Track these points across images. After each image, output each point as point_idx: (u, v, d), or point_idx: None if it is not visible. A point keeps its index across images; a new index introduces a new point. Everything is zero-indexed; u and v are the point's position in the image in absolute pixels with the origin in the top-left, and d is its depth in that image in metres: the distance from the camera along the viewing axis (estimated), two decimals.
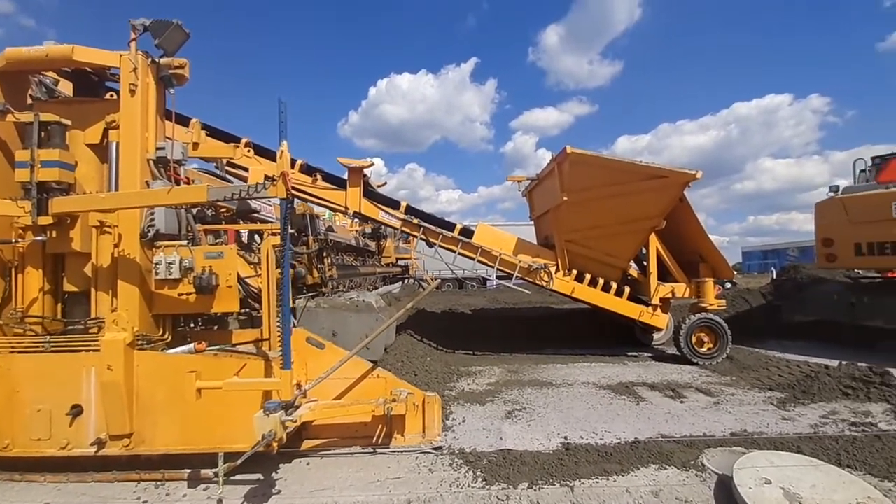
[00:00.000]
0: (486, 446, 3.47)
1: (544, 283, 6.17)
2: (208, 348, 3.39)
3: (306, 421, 3.14)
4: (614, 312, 6.34)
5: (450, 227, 6.40)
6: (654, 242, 6.37)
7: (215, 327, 4.25)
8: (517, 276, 6.26)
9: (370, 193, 6.34)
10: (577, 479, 2.90)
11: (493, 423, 3.98)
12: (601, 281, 6.26)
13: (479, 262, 6.31)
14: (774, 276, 12.50)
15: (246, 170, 6.16)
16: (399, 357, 5.87)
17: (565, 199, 5.85)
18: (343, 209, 6.35)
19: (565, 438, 3.55)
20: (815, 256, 7.47)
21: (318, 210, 7.58)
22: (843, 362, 4.97)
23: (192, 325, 4.11)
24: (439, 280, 6.04)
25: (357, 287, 10.30)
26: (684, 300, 6.57)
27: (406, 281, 12.65)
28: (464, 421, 4.04)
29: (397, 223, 6.35)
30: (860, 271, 8.31)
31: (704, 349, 6.07)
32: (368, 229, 12.68)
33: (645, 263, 6.57)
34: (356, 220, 8.19)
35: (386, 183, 7.15)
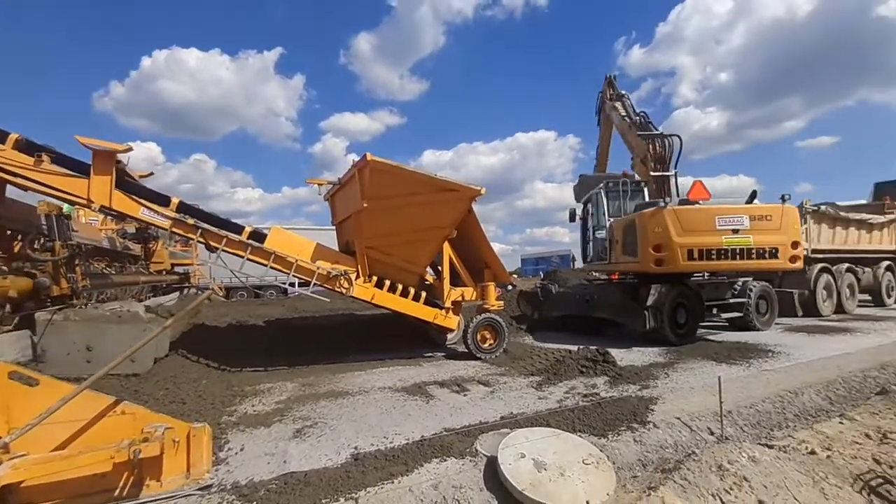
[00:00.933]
0: (267, 473, 3.07)
1: (344, 290, 6.00)
2: None
3: (10, 483, 2.26)
4: (412, 316, 6.62)
5: (237, 229, 5.67)
6: (447, 250, 6.86)
7: None
8: (315, 284, 5.94)
9: (126, 185, 5.13)
10: (362, 489, 2.80)
11: (278, 445, 3.58)
12: (400, 286, 6.45)
13: (272, 268, 5.75)
14: (541, 279, 15.28)
15: None
16: (164, 383, 4.89)
17: (365, 205, 5.84)
18: (85, 202, 4.97)
19: (355, 449, 3.42)
20: (570, 262, 9.66)
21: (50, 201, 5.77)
22: (581, 347, 6.25)
23: None
24: (210, 291, 5.20)
25: (115, 299, 8.26)
26: (471, 302, 7.32)
27: (186, 291, 10.75)
28: (242, 449, 3.52)
29: (166, 223, 5.30)
30: (596, 273, 10.86)
31: (487, 345, 6.81)
32: (132, 228, 10.36)
33: (439, 269, 7.07)
34: (111, 217, 6.53)
35: (153, 173, 5.96)
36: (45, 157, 4.95)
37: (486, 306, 6.91)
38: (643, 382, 5.16)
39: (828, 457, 3.78)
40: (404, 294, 6.46)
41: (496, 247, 7.48)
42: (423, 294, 6.64)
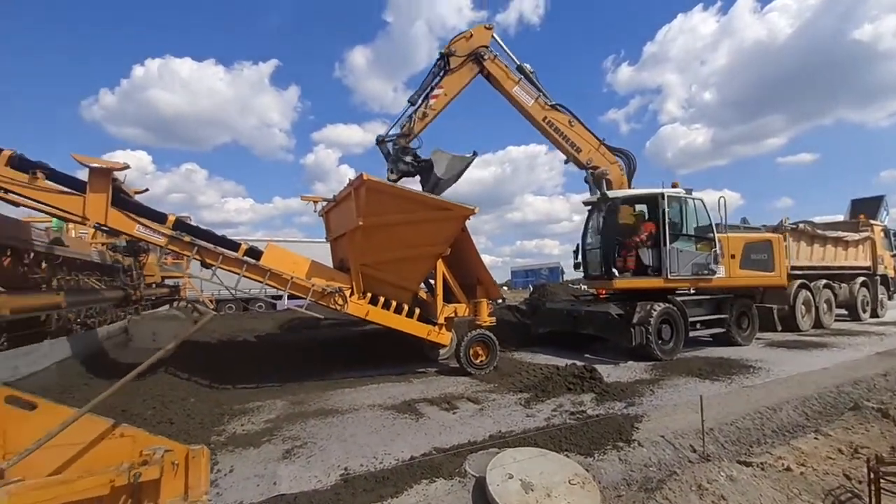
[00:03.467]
0: (256, 496, 3.12)
1: (339, 307, 6.10)
2: None
3: None
4: (406, 332, 6.72)
5: (233, 246, 5.74)
6: (441, 267, 6.97)
7: None
8: (310, 300, 6.02)
9: (122, 202, 5.19)
10: None
11: (268, 466, 3.62)
12: (394, 303, 6.56)
13: (268, 285, 5.83)
14: (530, 293, 15.48)
15: None
16: (152, 402, 4.89)
17: (361, 223, 5.96)
18: (80, 219, 5.02)
19: (345, 470, 3.49)
20: (559, 275, 9.66)
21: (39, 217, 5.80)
22: (569, 363, 6.41)
23: None
24: (213, 313, 5.21)
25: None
26: (463, 318, 7.42)
27: (175, 304, 10.71)
28: (231, 470, 3.55)
29: (161, 240, 5.35)
30: (584, 287, 11.05)
31: (479, 360, 6.90)
32: (122, 242, 10.33)
33: (433, 284, 7.19)
34: (104, 232, 6.56)
35: (147, 189, 6.02)
36: (39, 175, 4.99)
37: (479, 322, 7.04)
38: (629, 399, 5.31)
39: (801, 473, 3.96)
40: (398, 311, 6.56)
41: (486, 259, 7.66)
42: (417, 310, 6.75)
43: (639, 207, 9.16)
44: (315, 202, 7.45)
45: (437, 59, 8.27)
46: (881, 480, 2.93)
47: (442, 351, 7.70)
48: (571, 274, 11.95)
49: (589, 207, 9.68)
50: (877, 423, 4.95)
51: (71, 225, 9.54)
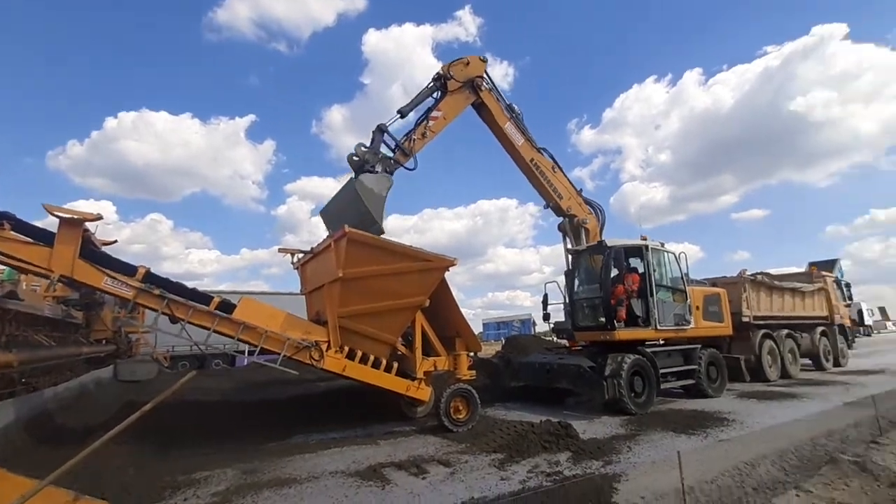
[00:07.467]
0: None
1: (314, 362, 5.90)
2: None
3: None
4: (384, 388, 6.51)
5: (204, 299, 5.57)
6: (420, 319, 6.94)
7: None
8: (285, 355, 5.80)
9: (91, 254, 5.02)
10: None
11: None
12: (372, 357, 6.40)
13: (240, 340, 5.61)
14: (502, 346, 15.31)
15: None
16: (84, 474, 4.21)
17: (341, 275, 5.94)
18: (44, 270, 4.81)
19: None
20: (531, 327, 9.63)
21: None
22: (543, 420, 6.25)
23: None
24: (193, 373, 4.87)
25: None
26: (441, 372, 7.26)
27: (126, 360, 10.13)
28: None
29: (129, 293, 5.15)
30: (556, 339, 11.06)
31: (461, 416, 6.69)
32: (75, 294, 9.80)
33: (411, 338, 7.07)
34: (58, 283, 6.24)
35: (116, 241, 5.84)
36: (6, 225, 4.83)
37: (459, 376, 6.90)
38: (606, 458, 5.21)
39: None
40: (376, 365, 6.40)
41: None
42: (395, 365, 6.60)
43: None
44: (292, 254, 7.39)
45: (434, 80, 8.35)
46: None
47: (420, 408, 7.46)
48: (542, 326, 11.94)
49: (573, 256, 9.84)
50: (856, 477, 5.00)
51: (24, 276, 9.05)
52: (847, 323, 15.32)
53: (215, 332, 5.52)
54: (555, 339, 11.35)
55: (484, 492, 4.23)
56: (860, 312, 25.17)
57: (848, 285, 16.70)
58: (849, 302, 16.57)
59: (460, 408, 6.78)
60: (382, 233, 7.02)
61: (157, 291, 5.29)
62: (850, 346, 15.38)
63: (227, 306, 5.71)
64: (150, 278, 5.41)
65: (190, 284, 6.05)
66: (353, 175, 7.30)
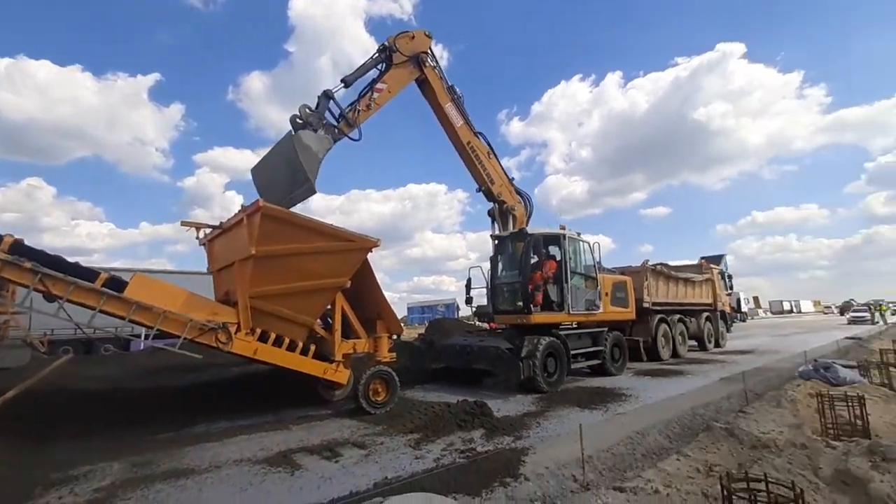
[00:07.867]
0: None
1: (220, 345, 5.47)
2: None
3: None
4: (299, 371, 6.24)
5: (89, 275, 4.91)
6: (340, 300, 6.71)
7: None
8: (186, 338, 5.31)
9: None
10: None
11: None
12: (287, 340, 6.10)
13: (132, 322, 5.04)
14: (426, 329, 15.53)
15: None
16: None
17: (254, 252, 5.53)
18: None
19: None
20: (455, 311, 9.81)
21: None
22: (460, 400, 6.45)
23: None
24: (67, 357, 4.15)
25: None
26: (362, 354, 7.12)
27: None
28: None
29: None
30: (480, 324, 11.43)
31: (380, 399, 6.64)
32: None
33: (330, 320, 6.84)
34: None
35: None
36: None
37: (379, 358, 6.83)
38: (517, 433, 5.50)
39: (668, 494, 4.41)
40: (291, 348, 6.10)
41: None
42: (313, 347, 6.34)
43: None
44: (197, 229, 6.74)
45: (379, 51, 8.24)
46: (733, 497, 3.34)
47: (338, 391, 7.29)
48: (466, 310, 12.26)
49: (496, 242, 10.15)
50: (725, 441, 5.74)
51: None
52: (727, 310, 17.64)
53: (102, 312, 4.89)
54: (476, 322, 11.70)
55: (398, 472, 4.24)
56: (738, 301, 29.12)
57: (730, 277, 19.26)
58: (730, 291, 19.10)
59: (379, 390, 6.73)
60: (314, 192, 6.83)
61: (28, 264, 4.55)
62: (728, 330, 17.84)
63: (116, 283, 5.08)
64: (19, 249, 4.64)
65: (75, 261, 5.28)
66: (291, 131, 6.96)
